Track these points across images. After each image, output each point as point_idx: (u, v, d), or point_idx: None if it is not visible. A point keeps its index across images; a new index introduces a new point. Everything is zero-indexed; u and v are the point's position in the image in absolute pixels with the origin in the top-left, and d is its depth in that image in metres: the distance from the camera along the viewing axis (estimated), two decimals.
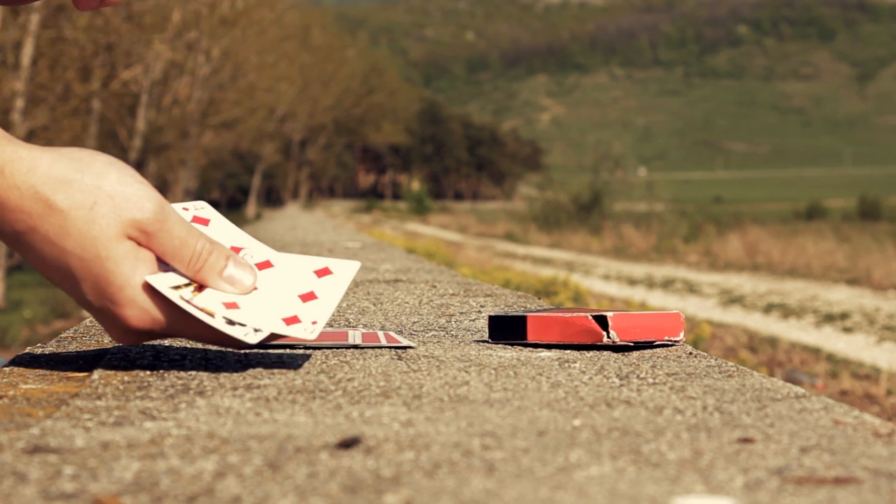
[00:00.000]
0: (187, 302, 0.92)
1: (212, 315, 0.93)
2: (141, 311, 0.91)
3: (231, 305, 0.94)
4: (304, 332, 0.95)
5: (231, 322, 0.93)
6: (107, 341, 1.18)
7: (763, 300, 11.67)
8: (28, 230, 0.89)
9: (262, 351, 1.10)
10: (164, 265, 0.94)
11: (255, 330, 0.94)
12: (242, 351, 1.10)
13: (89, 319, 1.39)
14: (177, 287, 0.93)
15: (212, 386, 0.91)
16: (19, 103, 18.94)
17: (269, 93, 36.92)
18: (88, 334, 1.24)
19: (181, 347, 1.13)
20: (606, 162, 35.06)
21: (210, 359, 1.05)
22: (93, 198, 0.89)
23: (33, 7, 15.26)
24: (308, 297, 0.99)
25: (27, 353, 1.09)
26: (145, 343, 1.16)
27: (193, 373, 0.97)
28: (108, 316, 0.92)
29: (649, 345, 1.16)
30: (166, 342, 1.17)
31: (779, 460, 0.67)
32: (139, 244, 0.91)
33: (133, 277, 0.90)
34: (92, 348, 1.13)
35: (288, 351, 1.10)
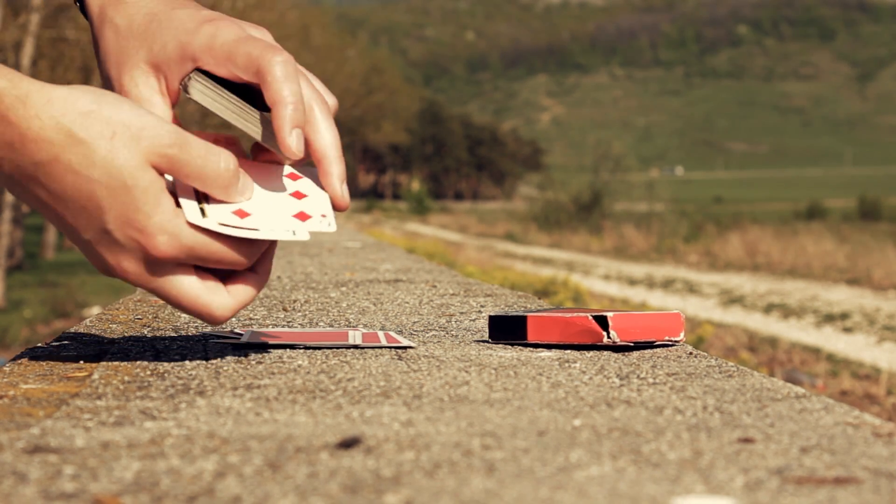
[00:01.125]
0: (225, 225, 0.94)
1: (256, 229, 0.94)
2: (170, 237, 0.91)
3: (243, 214, 0.95)
4: (321, 225, 0.97)
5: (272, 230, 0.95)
6: (107, 341, 1.18)
7: (763, 300, 11.67)
8: (51, 160, 0.89)
9: (262, 351, 1.10)
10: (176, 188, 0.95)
11: (292, 231, 0.96)
12: (240, 346, 1.10)
13: (89, 319, 1.39)
14: (202, 214, 0.94)
15: (212, 386, 0.91)
16: None
17: None
18: (88, 334, 1.24)
19: (181, 347, 1.13)
20: (606, 162, 35.06)
21: (210, 358, 1.05)
22: (111, 128, 0.90)
23: (33, 7, 15.27)
24: (298, 195, 1.00)
25: (27, 353, 1.09)
26: (145, 343, 1.16)
27: (194, 372, 0.97)
28: (129, 246, 0.92)
29: (650, 345, 1.16)
30: (167, 341, 1.17)
31: (779, 460, 0.67)
32: (160, 171, 0.92)
33: (160, 205, 0.91)
34: (92, 348, 1.13)
35: (288, 351, 1.10)
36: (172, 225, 0.91)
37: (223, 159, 0.94)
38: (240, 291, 0.97)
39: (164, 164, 0.92)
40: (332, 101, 1.05)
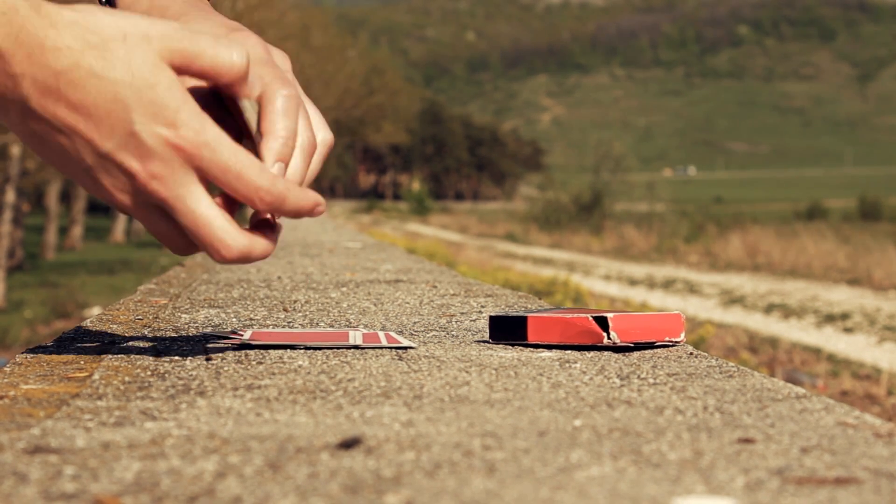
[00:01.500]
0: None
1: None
2: (196, 133, 0.91)
3: None
4: None
5: None
6: (107, 342, 1.18)
7: (764, 300, 11.67)
8: (72, 66, 0.89)
9: (262, 351, 1.10)
10: None
11: None
12: (241, 347, 1.10)
13: (90, 320, 1.39)
14: None
15: (212, 386, 0.91)
16: None
17: None
18: (89, 334, 1.24)
19: (182, 347, 1.13)
20: (607, 162, 35.07)
21: (211, 358, 1.05)
22: (122, 30, 0.90)
23: None
24: None
25: (27, 353, 1.09)
26: (146, 343, 1.16)
27: (194, 373, 0.97)
28: (156, 145, 0.91)
29: (650, 346, 1.16)
30: (167, 341, 1.17)
31: (779, 460, 0.67)
32: (176, 69, 0.92)
33: (186, 101, 0.91)
34: (92, 349, 1.13)
35: (289, 351, 1.10)
36: (198, 120, 0.91)
37: (235, 51, 0.94)
38: (255, 238, 0.96)
39: (178, 59, 0.92)
40: (324, 136, 1.05)
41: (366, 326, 1.34)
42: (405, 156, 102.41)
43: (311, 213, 0.97)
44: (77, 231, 33.80)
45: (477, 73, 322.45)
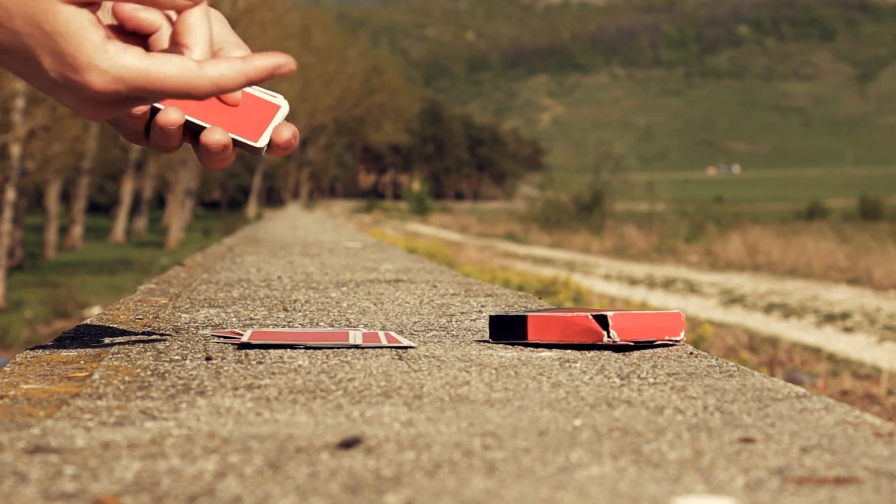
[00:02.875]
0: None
1: None
2: (101, 73, 0.89)
3: None
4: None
5: None
6: (107, 341, 1.18)
7: (764, 300, 11.66)
8: None
9: (262, 351, 1.10)
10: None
11: None
12: (241, 346, 1.10)
13: (90, 319, 1.39)
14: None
15: (212, 386, 0.91)
16: (19, 103, 18.93)
17: None
18: (89, 334, 1.24)
19: (181, 347, 1.13)
20: (607, 162, 35.05)
21: (211, 358, 1.05)
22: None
23: None
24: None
25: (28, 353, 1.09)
26: (146, 343, 1.16)
27: (194, 372, 0.97)
28: (73, 88, 0.90)
29: (650, 344, 1.16)
30: (167, 341, 1.17)
31: (779, 460, 0.67)
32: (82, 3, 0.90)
33: (84, 41, 0.89)
34: (92, 348, 1.13)
35: (289, 351, 1.10)
36: (101, 59, 0.89)
37: None
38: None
39: None
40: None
41: (366, 326, 1.34)
42: (405, 155, 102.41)
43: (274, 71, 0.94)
44: (77, 231, 33.80)
45: (477, 73, 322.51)
